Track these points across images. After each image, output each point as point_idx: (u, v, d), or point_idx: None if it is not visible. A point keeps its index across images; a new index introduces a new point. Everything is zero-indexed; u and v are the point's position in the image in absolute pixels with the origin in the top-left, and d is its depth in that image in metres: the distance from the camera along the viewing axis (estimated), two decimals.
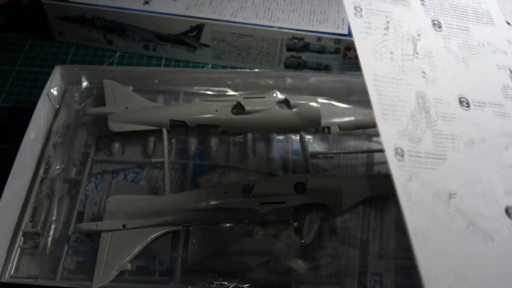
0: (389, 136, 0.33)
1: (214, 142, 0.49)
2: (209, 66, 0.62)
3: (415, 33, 0.40)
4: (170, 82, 0.53)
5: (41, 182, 0.46)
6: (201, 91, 0.54)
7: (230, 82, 0.54)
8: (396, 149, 0.32)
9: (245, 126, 0.49)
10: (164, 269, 0.41)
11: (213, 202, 0.42)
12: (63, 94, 0.52)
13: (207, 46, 0.60)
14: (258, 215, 0.42)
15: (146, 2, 0.58)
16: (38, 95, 0.49)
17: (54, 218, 0.43)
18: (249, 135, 0.50)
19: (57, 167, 0.46)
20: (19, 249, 0.42)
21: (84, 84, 0.53)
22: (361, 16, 0.39)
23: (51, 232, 0.42)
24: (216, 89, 0.54)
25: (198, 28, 0.58)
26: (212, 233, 0.42)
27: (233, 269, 0.41)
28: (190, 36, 0.59)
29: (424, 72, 0.38)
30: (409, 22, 0.40)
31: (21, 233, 0.42)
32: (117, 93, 0.50)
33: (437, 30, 0.41)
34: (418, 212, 0.30)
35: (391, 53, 0.37)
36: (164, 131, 0.48)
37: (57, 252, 0.41)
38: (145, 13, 0.57)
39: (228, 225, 0.43)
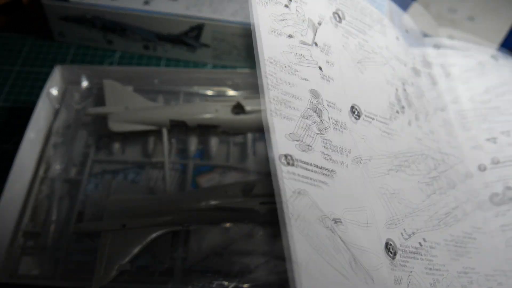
0: (277, 138, 0.26)
1: (214, 142, 0.49)
2: (209, 66, 0.61)
3: (316, 20, 0.33)
4: (170, 82, 0.53)
5: (41, 182, 0.46)
6: (201, 91, 0.54)
7: (230, 82, 0.54)
8: (285, 155, 0.26)
9: (245, 126, 0.49)
10: (164, 269, 0.41)
11: (213, 202, 0.42)
12: (63, 94, 0.52)
13: (207, 46, 0.59)
14: (258, 215, 0.42)
15: (146, 2, 0.58)
16: (38, 95, 0.49)
17: (54, 218, 0.43)
18: (249, 135, 0.50)
19: (57, 167, 0.46)
20: (19, 249, 0.41)
21: (84, 84, 0.53)
22: None
23: (51, 232, 0.42)
24: (216, 89, 0.54)
25: (198, 28, 0.57)
26: (212, 233, 0.42)
27: (233, 269, 0.41)
28: (190, 36, 0.58)
29: (321, 68, 0.31)
30: (312, 4, 0.33)
31: (21, 233, 0.42)
32: (117, 93, 0.50)
33: (337, 23, 0.35)
34: (303, 237, 0.24)
35: (290, 36, 0.30)
36: (164, 131, 0.48)
37: (57, 252, 0.41)
38: (145, 13, 0.57)
39: (228, 225, 0.42)
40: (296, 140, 0.27)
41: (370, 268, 0.26)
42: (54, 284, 0.39)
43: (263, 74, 0.27)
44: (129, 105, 0.49)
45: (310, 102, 0.29)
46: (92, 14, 0.58)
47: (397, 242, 0.30)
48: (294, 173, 0.25)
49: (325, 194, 0.26)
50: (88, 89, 0.53)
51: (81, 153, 0.48)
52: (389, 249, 0.29)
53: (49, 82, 0.50)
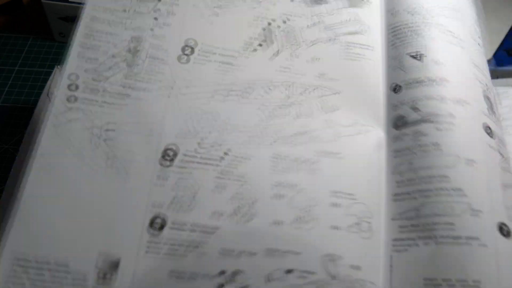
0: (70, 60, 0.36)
1: None
2: None
3: None
4: None
5: None
6: None
7: None
8: (69, 85, 0.36)
9: None
10: None
11: None
12: None
13: None
14: None
15: None
16: (38, 95, 0.49)
17: None
18: None
19: None
20: None
21: None
22: None
23: None
24: None
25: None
26: None
27: None
28: None
29: (156, 19, 0.39)
30: None
31: None
32: None
33: None
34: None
35: None
36: None
37: None
38: None
39: None
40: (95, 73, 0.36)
41: (134, 166, 0.34)
42: None
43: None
44: None
45: (128, 45, 0.38)
46: None
47: (185, 148, 0.35)
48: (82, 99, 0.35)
49: (111, 112, 0.35)
50: None
51: None
52: (167, 153, 0.35)
53: (49, 82, 0.50)
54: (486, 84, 0.40)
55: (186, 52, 0.38)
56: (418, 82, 0.39)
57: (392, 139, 0.38)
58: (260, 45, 0.40)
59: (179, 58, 0.38)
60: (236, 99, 0.38)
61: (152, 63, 0.37)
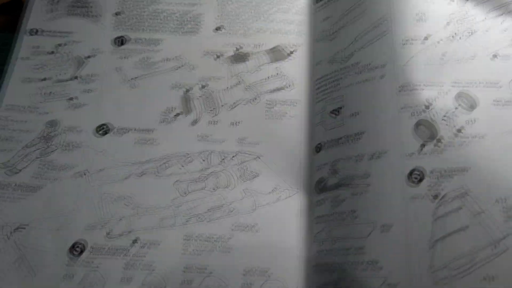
0: None
1: None
2: None
3: (86, 54, 0.41)
4: None
5: None
6: None
7: None
8: None
9: None
10: None
11: None
12: None
13: None
14: None
15: None
16: None
17: None
18: None
19: None
20: None
21: None
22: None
23: None
24: None
25: None
26: None
27: None
28: None
29: (71, 98, 0.40)
30: (88, 40, 0.41)
31: None
32: None
33: (116, 48, 0.41)
34: None
35: (44, 79, 0.40)
36: None
37: None
38: None
39: None
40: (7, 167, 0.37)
41: (42, 265, 0.35)
42: None
43: None
44: None
45: (42, 131, 0.38)
46: None
47: (93, 241, 0.35)
48: None
49: (23, 207, 0.36)
50: None
51: None
52: (75, 248, 0.35)
53: None
54: (417, 106, 0.35)
55: (101, 132, 0.39)
56: (336, 140, 0.37)
57: (314, 204, 0.37)
58: (178, 115, 0.39)
59: (93, 141, 0.38)
60: (151, 177, 0.37)
61: (66, 148, 0.38)
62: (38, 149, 0.38)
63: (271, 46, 0.41)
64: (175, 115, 0.39)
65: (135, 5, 0.43)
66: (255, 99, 0.40)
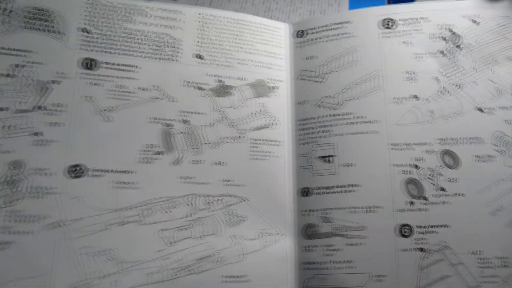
0: None
1: None
2: None
3: (53, 78, 0.35)
4: None
5: None
6: None
7: None
8: None
9: None
10: None
11: None
12: None
13: None
14: None
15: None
16: None
17: None
18: None
19: None
20: None
21: None
22: None
23: None
24: None
25: None
26: None
27: None
28: None
29: (37, 134, 0.34)
30: (56, 61, 0.36)
31: None
32: None
33: (86, 75, 0.36)
34: None
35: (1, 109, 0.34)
36: None
37: None
38: None
39: None
40: None
41: None
42: None
43: None
44: None
45: (5, 175, 0.32)
46: None
47: None
48: None
49: None
50: None
51: None
52: None
53: None
54: (407, 164, 0.37)
55: (74, 175, 0.34)
56: (329, 188, 0.37)
57: (302, 249, 0.37)
58: (158, 153, 0.36)
59: (66, 185, 0.34)
60: (133, 226, 0.34)
61: (35, 195, 0.33)
62: (1, 196, 0.32)
63: (254, 80, 0.40)
64: (155, 154, 0.36)
65: (106, 23, 0.37)
66: (240, 137, 0.38)
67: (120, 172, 0.35)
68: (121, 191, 0.35)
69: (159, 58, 0.38)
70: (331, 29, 0.40)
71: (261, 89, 0.39)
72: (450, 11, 0.39)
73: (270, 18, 0.55)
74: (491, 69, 0.38)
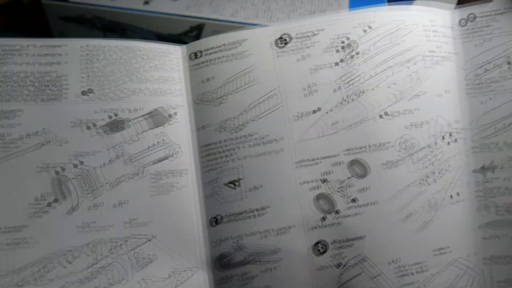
0: None
1: None
2: None
3: None
4: None
5: None
6: None
7: None
8: None
9: None
10: None
11: None
12: None
13: None
14: None
15: (146, 2, 0.56)
16: None
17: None
18: None
19: None
20: None
21: None
22: None
23: None
24: None
25: (198, 28, 0.55)
26: None
27: None
28: (190, 36, 0.56)
29: None
30: None
31: None
32: None
33: None
34: None
35: None
36: None
37: None
38: (145, 13, 0.55)
39: None
40: None
41: None
42: None
43: None
44: None
45: None
46: (92, 14, 0.56)
47: None
48: None
49: None
50: None
51: None
52: None
53: None
54: (314, 180, 0.37)
55: None
56: (238, 214, 0.36)
57: (217, 282, 0.36)
58: (51, 204, 0.34)
59: None
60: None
61: None
62: None
63: (149, 110, 0.38)
64: (47, 205, 0.34)
65: None
66: (139, 173, 0.36)
67: (9, 229, 0.33)
68: (13, 251, 0.32)
69: (42, 100, 0.35)
70: (226, 50, 0.39)
71: (158, 118, 0.37)
72: (345, 21, 0.38)
73: (270, 18, 0.55)
74: (392, 72, 0.37)
